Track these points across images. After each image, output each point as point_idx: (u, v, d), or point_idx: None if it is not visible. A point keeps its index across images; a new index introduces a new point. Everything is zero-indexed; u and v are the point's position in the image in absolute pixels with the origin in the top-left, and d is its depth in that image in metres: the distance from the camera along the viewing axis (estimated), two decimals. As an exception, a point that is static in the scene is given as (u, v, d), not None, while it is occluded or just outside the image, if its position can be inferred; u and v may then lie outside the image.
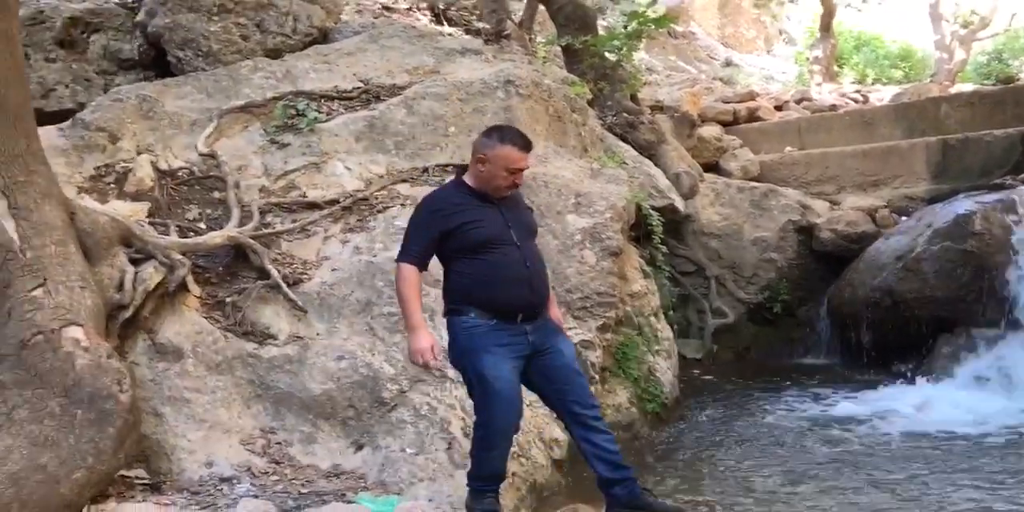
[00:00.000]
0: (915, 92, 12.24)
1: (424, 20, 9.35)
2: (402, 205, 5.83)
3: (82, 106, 6.94)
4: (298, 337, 5.08)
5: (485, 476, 3.81)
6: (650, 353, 6.38)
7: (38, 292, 4.21)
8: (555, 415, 4.17)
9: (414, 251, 3.79)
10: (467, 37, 8.04)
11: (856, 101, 13.31)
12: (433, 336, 3.82)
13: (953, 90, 12.52)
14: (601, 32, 10.09)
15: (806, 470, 5.24)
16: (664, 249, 7.75)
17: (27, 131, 4.50)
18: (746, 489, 4.93)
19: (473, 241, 3.73)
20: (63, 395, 4.02)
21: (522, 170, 3.81)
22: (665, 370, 6.49)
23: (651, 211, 7.56)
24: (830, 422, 6.32)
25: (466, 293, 3.75)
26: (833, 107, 12.45)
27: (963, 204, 7.68)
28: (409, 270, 3.76)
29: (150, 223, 5.56)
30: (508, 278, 3.71)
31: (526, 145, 3.83)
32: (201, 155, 6.20)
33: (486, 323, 3.70)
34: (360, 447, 4.65)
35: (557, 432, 4.98)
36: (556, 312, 4.05)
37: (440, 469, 4.37)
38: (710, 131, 10.65)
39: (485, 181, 3.80)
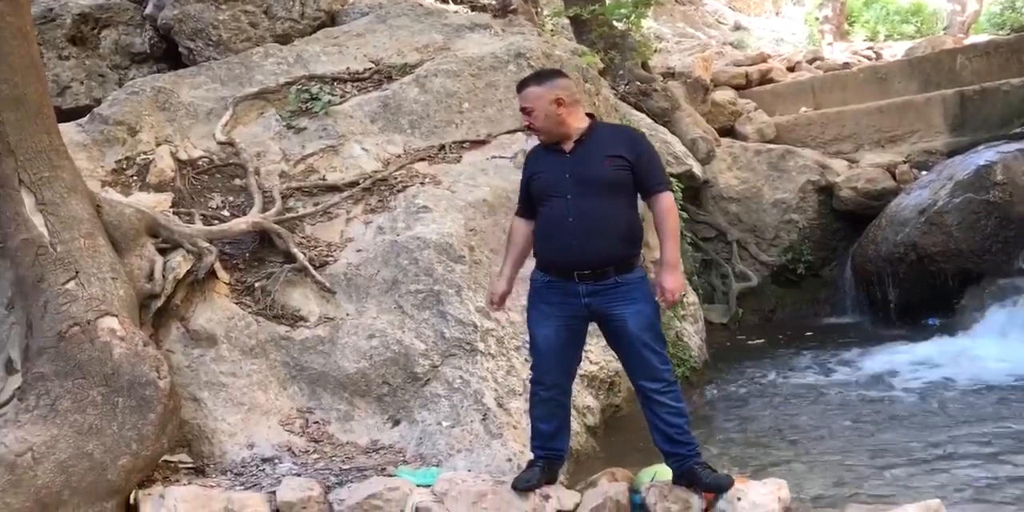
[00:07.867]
0: (929, 45, 12.11)
1: (430, -2, 9.31)
2: (421, 184, 5.84)
3: (98, 102, 6.98)
4: (328, 318, 5.14)
5: (532, 436, 3.89)
6: (676, 319, 6.41)
7: (71, 285, 4.28)
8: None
9: (520, 203, 3.95)
10: (474, 13, 7.99)
11: (869, 58, 13.20)
12: (503, 285, 3.93)
13: (967, 42, 12.36)
14: (608, 1, 10.02)
15: (836, 428, 5.27)
16: (684, 215, 7.75)
17: (48, 127, 4.55)
18: (774, 447, 4.98)
19: (532, 193, 3.79)
20: (103, 384, 4.09)
21: (522, 109, 3.76)
22: (692, 335, 6.53)
23: (669, 178, 7.54)
24: (860, 380, 6.34)
25: (535, 247, 3.84)
26: (846, 65, 12.34)
27: (983, 155, 7.64)
28: (513, 222, 3.98)
29: (174, 213, 5.61)
30: (550, 232, 3.69)
31: (519, 84, 3.83)
32: (220, 143, 6.23)
33: (541, 279, 3.76)
34: (397, 422, 4.72)
35: (589, 400, 5.04)
36: (663, 277, 3.61)
37: (477, 440, 4.43)
38: (723, 95, 10.60)
39: None
